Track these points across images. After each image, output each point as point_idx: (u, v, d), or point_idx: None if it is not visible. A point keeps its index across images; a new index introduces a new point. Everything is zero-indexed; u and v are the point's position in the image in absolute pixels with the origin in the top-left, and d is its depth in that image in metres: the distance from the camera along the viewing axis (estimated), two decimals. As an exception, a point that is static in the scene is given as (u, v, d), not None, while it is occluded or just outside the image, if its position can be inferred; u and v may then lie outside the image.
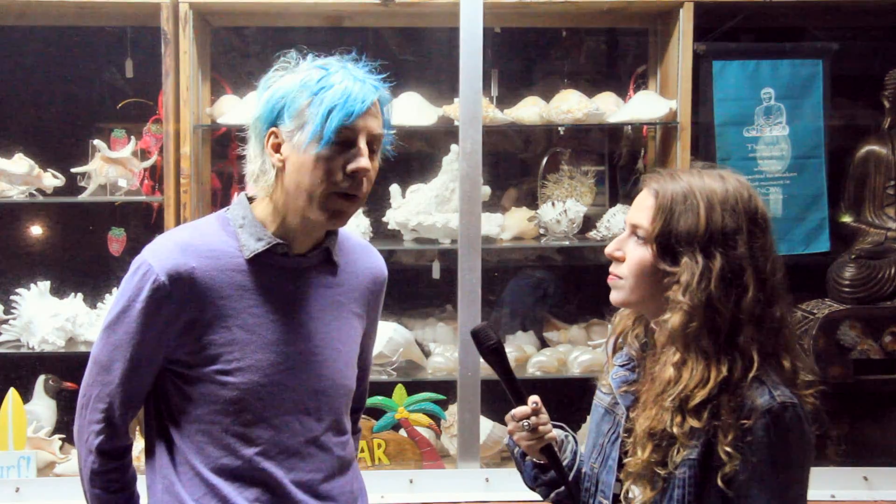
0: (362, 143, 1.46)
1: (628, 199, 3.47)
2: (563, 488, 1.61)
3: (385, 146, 1.54)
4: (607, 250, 1.52)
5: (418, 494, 2.85)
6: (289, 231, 1.52)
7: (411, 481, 2.87)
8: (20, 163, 3.02)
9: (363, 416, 2.88)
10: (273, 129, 1.48)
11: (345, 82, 1.44)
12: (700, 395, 1.37)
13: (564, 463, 1.62)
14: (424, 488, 2.87)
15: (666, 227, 1.42)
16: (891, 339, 3.21)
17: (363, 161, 1.46)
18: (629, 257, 1.48)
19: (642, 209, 1.47)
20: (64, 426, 3.08)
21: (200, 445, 1.49)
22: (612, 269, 1.52)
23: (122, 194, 3.07)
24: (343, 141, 1.44)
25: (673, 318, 1.41)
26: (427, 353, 3.21)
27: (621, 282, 1.50)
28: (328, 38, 3.23)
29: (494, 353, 1.57)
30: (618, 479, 1.52)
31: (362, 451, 2.93)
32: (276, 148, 1.48)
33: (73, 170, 3.09)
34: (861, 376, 3.15)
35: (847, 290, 3.18)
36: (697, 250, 1.40)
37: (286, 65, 1.51)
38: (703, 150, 3.05)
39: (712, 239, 1.40)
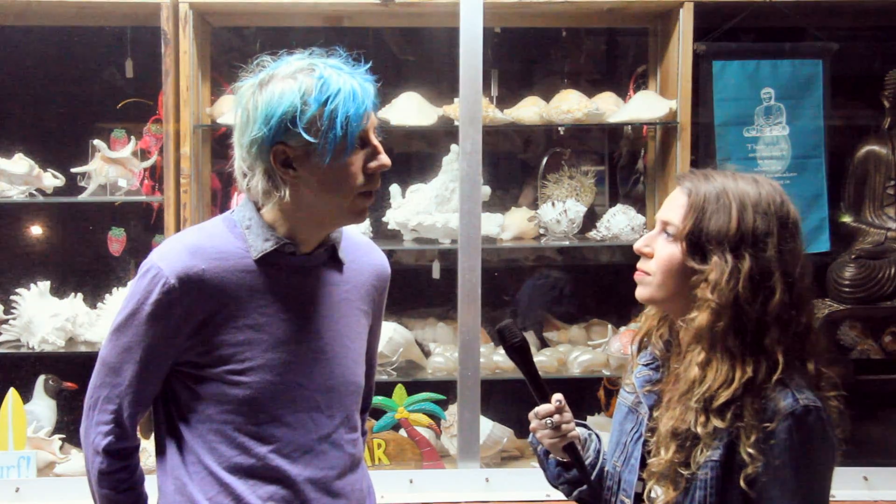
0: (375, 140, 1.48)
1: (628, 198, 3.47)
2: (585, 487, 1.61)
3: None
4: (636, 246, 1.53)
5: (418, 494, 2.85)
6: (296, 232, 1.52)
7: (411, 481, 2.87)
8: (20, 163, 3.02)
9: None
10: (279, 145, 1.44)
11: (348, 83, 1.43)
12: (724, 396, 1.38)
13: (587, 461, 1.62)
14: (424, 488, 2.86)
15: (697, 226, 1.43)
16: (891, 339, 3.21)
17: (384, 158, 1.49)
18: (658, 254, 1.48)
19: (674, 207, 1.47)
20: (64, 426, 3.08)
21: (213, 445, 1.50)
22: (639, 265, 1.52)
23: (122, 194, 3.07)
24: (362, 142, 1.47)
25: (700, 317, 1.41)
26: (427, 353, 3.21)
27: (649, 278, 1.50)
28: (328, 38, 3.23)
29: (519, 351, 1.57)
30: (640, 479, 1.52)
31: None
32: (286, 163, 1.46)
33: (73, 170, 3.09)
34: (861, 376, 3.15)
35: (847, 290, 3.18)
36: (727, 250, 1.41)
37: (259, 74, 1.47)
38: (703, 150, 3.05)
39: (743, 239, 1.41)
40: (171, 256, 1.47)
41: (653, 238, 1.51)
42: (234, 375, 1.48)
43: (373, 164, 1.48)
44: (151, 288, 1.45)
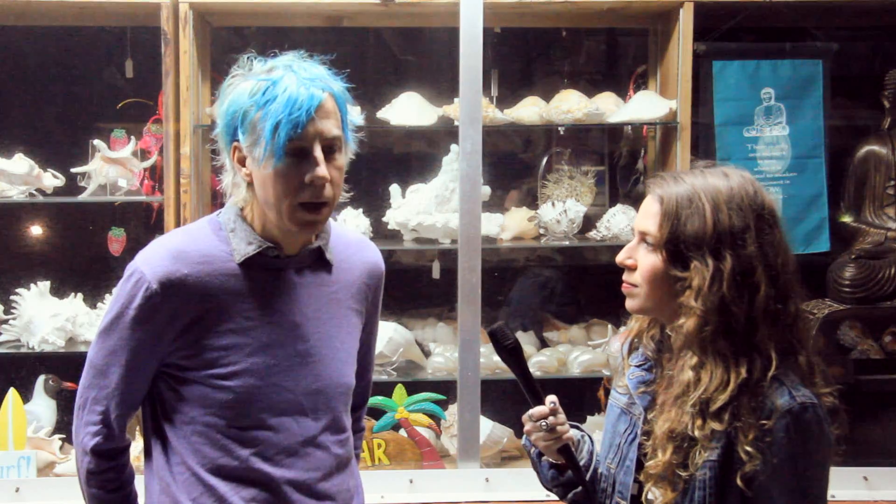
0: (317, 152, 1.43)
1: (628, 198, 3.47)
2: (580, 489, 1.61)
3: (348, 142, 1.50)
4: (618, 259, 1.52)
5: (418, 494, 2.85)
6: (276, 234, 1.52)
7: (411, 481, 2.87)
8: (20, 163, 3.02)
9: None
10: (235, 143, 1.47)
11: (289, 90, 1.40)
12: (721, 399, 1.38)
13: (581, 463, 1.61)
14: (424, 488, 2.86)
15: (674, 233, 1.42)
16: (891, 339, 3.21)
17: (319, 170, 1.43)
18: (641, 265, 1.47)
19: (648, 216, 1.47)
20: (64, 426, 3.07)
21: (196, 446, 1.50)
22: (625, 277, 1.52)
23: (122, 194, 3.07)
24: (297, 152, 1.42)
25: (687, 324, 1.40)
26: (427, 353, 3.21)
27: (636, 290, 1.49)
28: (328, 38, 3.23)
29: (512, 353, 1.56)
30: (635, 480, 1.51)
31: (362, 450, 2.93)
32: (242, 161, 1.48)
33: (73, 170, 3.08)
34: (861, 376, 3.15)
35: (847, 290, 3.18)
36: (707, 253, 1.40)
37: (240, 70, 1.48)
38: (703, 150, 3.05)
39: (721, 240, 1.40)
40: (153, 261, 1.47)
41: (633, 249, 1.50)
42: (218, 379, 1.48)
43: (307, 177, 1.43)
44: (135, 293, 1.46)
